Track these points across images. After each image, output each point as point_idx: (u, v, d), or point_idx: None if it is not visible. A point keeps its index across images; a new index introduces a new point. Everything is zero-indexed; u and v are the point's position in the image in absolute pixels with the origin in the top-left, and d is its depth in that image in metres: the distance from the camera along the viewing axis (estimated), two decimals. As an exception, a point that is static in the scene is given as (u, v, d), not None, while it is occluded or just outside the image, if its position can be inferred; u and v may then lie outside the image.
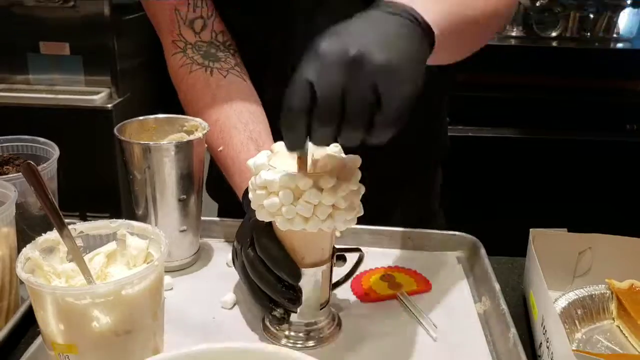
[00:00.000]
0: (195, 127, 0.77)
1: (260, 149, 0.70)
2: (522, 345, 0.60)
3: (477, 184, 1.79)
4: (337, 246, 0.65)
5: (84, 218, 1.93)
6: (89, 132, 1.84)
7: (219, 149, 0.76)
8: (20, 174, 0.70)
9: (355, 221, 0.60)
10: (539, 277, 0.61)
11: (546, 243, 0.68)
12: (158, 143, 0.71)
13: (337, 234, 0.64)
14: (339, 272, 0.67)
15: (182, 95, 0.83)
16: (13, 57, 1.96)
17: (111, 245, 0.58)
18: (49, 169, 0.73)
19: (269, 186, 0.57)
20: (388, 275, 0.75)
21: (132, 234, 0.57)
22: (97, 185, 1.83)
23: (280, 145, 0.61)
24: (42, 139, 0.77)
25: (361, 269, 0.77)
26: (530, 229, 0.67)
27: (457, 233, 0.82)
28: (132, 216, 0.75)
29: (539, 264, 0.62)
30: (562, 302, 0.67)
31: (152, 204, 0.74)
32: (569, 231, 0.70)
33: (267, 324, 0.66)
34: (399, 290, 0.72)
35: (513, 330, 0.63)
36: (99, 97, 1.89)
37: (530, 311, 0.67)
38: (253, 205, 0.59)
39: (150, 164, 0.71)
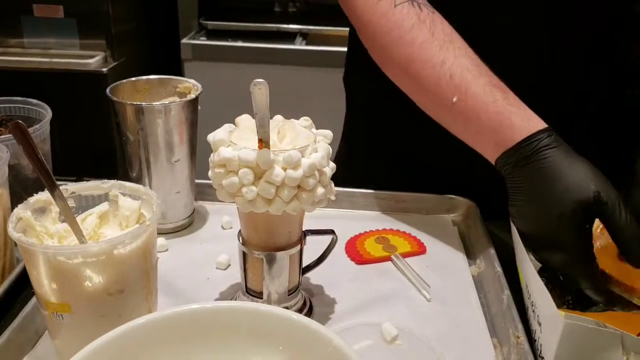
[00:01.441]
0: (189, 88, 0.76)
1: (507, 99, 0.62)
2: (516, 308, 0.61)
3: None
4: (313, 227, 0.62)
5: (81, 183, 1.92)
6: (84, 96, 1.82)
7: (452, 100, 0.63)
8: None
9: (326, 202, 0.56)
10: (519, 242, 0.61)
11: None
12: (151, 104, 0.70)
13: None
14: (311, 254, 0.64)
15: (382, 36, 0.68)
16: (6, 19, 1.93)
17: (103, 206, 0.57)
18: (41, 131, 0.72)
19: (227, 164, 0.52)
20: (382, 238, 0.75)
21: (124, 194, 0.57)
22: (92, 150, 1.82)
23: (245, 118, 0.58)
24: (34, 101, 0.76)
25: (355, 231, 0.77)
26: None
27: (452, 196, 0.82)
28: (127, 179, 0.74)
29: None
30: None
31: (146, 166, 0.73)
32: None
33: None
34: (393, 253, 0.72)
35: (507, 292, 0.63)
36: (94, 60, 1.87)
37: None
38: (214, 185, 0.55)
39: (143, 126, 0.71)
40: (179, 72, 1.99)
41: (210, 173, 0.56)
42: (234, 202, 0.55)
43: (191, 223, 0.79)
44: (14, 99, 0.77)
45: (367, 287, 0.68)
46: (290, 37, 2.00)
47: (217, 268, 0.70)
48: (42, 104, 0.76)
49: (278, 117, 0.59)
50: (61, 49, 1.93)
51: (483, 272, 0.70)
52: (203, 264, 0.71)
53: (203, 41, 2.00)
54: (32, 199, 0.54)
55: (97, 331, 0.42)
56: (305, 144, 0.54)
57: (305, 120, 0.58)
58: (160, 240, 0.74)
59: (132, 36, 2.04)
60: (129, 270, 0.51)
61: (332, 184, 0.57)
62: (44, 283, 0.50)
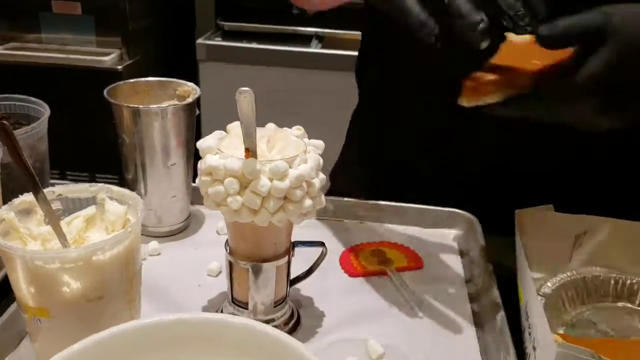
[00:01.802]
0: (188, 92, 0.75)
1: None
2: (511, 329, 0.59)
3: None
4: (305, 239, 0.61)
5: (93, 179, 1.93)
6: (99, 93, 1.83)
7: None
8: (7, 133, 0.69)
9: (314, 214, 0.55)
10: (523, 260, 0.59)
11: (537, 224, 0.66)
12: (147, 107, 0.70)
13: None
14: (301, 266, 0.63)
15: None
16: (25, 15, 1.95)
17: (90, 210, 0.57)
18: (38, 129, 0.72)
19: (213, 172, 0.52)
20: (378, 251, 0.74)
21: (111, 198, 0.56)
22: (106, 147, 1.83)
23: (237, 125, 0.57)
24: (33, 99, 0.76)
25: (352, 242, 0.76)
26: (516, 210, 0.65)
27: (453, 210, 0.80)
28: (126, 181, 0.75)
29: (524, 247, 0.60)
30: (553, 284, 0.65)
31: (142, 169, 0.72)
32: (556, 210, 0.67)
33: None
34: (388, 267, 0.71)
35: (502, 313, 0.61)
36: (110, 58, 1.88)
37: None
38: (201, 192, 0.54)
39: (139, 128, 0.70)
40: (194, 73, 1.99)
41: (197, 180, 0.55)
42: (220, 210, 0.54)
43: (187, 227, 0.78)
44: (14, 96, 0.76)
45: (358, 301, 0.66)
46: (306, 39, 1.99)
47: (208, 275, 0.69)
48: (41, 102, 0.76)
49: (270, 126, 0.58)
50: (78, 46, 1.94)
51: (480, 290, 0.68)
52: (195, 269, 0.70)
53: (218, 42, 2.00)
54: (17, 200, 0.54)
55: (75, 337, 0.41)
56: (295, 154, 0.53)
57: (298, 130, 0.57)
58: (153, 244, 0.73)
59: (148, 34, 2.05)
60: (109, 277, 0.50)
61: (322, 196, 0.56)
62: (22, 287, 0.49)
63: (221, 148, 0.54)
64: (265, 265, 0.57)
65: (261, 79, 1.96)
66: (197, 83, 2.18)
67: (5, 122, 0.50)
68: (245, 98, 0.48)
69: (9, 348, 0.58)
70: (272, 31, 2.02)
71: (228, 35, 2.05)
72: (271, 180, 0.51)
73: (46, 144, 0.75)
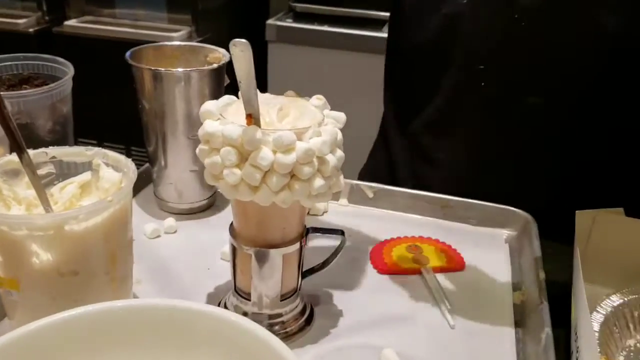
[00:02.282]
0: (219, 59, 0.69)
1: None
2: (557, 350, 0.49)
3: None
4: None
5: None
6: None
7: None
8: (26, 91, 0.65)
9: (330, 197, 0.47)
10: (578, 269, 0.49)
11: (602, 228, 0.56)
12: (169, 70, 0.64)
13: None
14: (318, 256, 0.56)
15: None
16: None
17: (86, 176, 0.51)
18: (58, 90, 0.67)
19: (211, 140, 0.45)
20: (415, 247, 0.65)
21: (107, 164, 0.51)
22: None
23: None
24: (61, 59, 0.72)
25: (387, 235, 0.68)
26: (577, 211, 0.55)
27: (507, 207, 0.70)
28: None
29: (582, 254, 0.50)
30: (617, 300, 0.55)
31: (161, 139, 0.67)
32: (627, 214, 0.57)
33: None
34: (423, 266, 0.62)
35: (547, 330, 0.51)
36: (178, 35, 1.85)
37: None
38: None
39: (160, 94, 0.64)
40: (264, 54, 1.94)
41: (197, 149, 0.48)
42: (217, 185, 0.47)
43: (210, 205, 0.72)
44: (43, 56, 0.73)
45: (383, 302, 0.58)
46: (378, 24, 1.90)
47: (221, 259, 0.63)
48: (68, 63, 0.72)
49: (290, 93, 0.51)
50: (149, 22, 1.93)
51: (527, 301, 0.59)
52: (208, 252, 0.64)
53: (289, 23, 1.94)
54: (3, 160, 0.49)
55: (48, 314, 0.36)
56: (307, 126, 0.45)
57: (318, 99, 0.49)
58: (169, 221, 0.67)
59: (219, 13, 2.01)
60: (85, 250, 0.44)
61: (341, 176, 0.48)
62: (-8, 253, 0.44)
63: (225, 114, 0.47)
64: (271, 252, 0.49)
65: (330, 62, 1.89)
66: (265, 64, 2.09)
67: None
68: (242, 52, 0.41)
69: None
70: (344, 14, 1.94)
71: (300, 17, 1.99)
72: (275, 153, 0.43)
73: (69, 106, 0.71)
